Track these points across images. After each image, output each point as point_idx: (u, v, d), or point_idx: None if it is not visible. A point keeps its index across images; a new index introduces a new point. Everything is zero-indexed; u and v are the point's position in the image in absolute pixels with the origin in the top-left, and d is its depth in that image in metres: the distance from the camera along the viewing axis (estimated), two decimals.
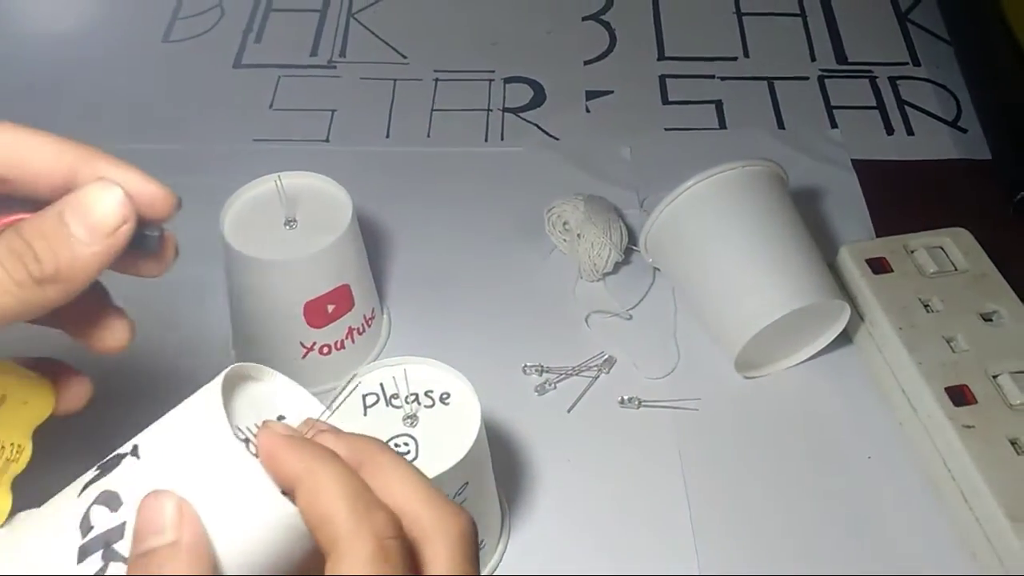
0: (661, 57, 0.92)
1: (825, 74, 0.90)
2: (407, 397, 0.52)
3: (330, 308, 0.62)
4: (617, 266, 0.72)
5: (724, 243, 0.65)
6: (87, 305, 0.36)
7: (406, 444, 0.51)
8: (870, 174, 0.80)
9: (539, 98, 0.88)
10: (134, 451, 0.32)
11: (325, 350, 0.63)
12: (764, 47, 0.93)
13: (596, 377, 0.67)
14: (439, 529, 0.32)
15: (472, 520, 0.33)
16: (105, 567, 0.30)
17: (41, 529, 0.33)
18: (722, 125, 0.85)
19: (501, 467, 0.58)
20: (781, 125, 0.85)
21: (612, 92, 0.88)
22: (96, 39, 0.93)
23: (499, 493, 0.59)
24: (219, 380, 0.32)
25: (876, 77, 0.90)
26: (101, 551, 0.31)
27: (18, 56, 0.90)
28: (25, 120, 0.34)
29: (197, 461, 0.31)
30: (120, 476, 0.32)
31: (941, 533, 0.59)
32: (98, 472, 0.32)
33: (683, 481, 0.62)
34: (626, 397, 0.65)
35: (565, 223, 0.73)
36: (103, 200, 0.32)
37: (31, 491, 0.35)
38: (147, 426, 0.33)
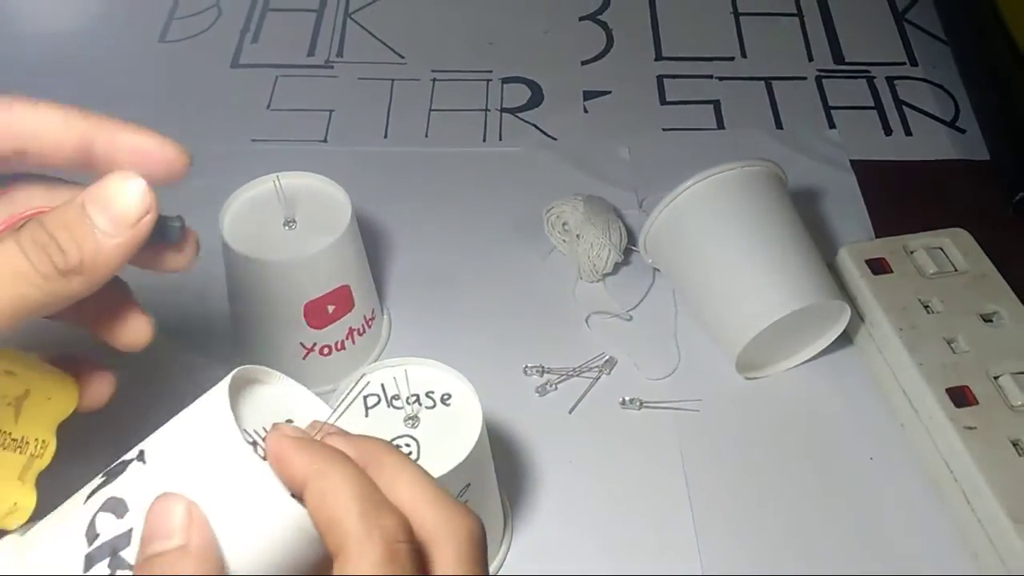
0: (658, 57, 0.92)
1: (823, 74, 0.90)
2: (408, 398, 0.52)
3: (330, 309, 0.61)
4: (617, 267, 0.72)
5: (723, 243, 0.65)
6: (109, 302, 0.36)
7: (407, 445, 0.50)
8: (869, 174, 0.80)
9: (537, 98, 0.87)
10: (140, 456, 0.32)
11: (326, 351, 0.63)
12: (761, 47, 0.93)
13: (597, 378, 0.67)
14: (447, 531, 0.32)
15: (480, 521, 0.33)
16: (112, 575, 0.30)
17: (48, 538, 0.32)
18: (720, 125, 0.85)
19: (502, 468, 0.58)
20: (779, 125, 0.85)
21: (610, 92, 0.88)
22: (92, 39, 0.92)
23: (501, 494, 0.58)
24: (226, 383, 0.32)
25: (874, 77, 0.90)
26: (108, 559, 0.30)
27: (15, 56, 0.90)
28: None
29: (205, 465, 0.31)
30: (126, 482, 0.31)
31: (943, 534, 0.59)
32: (104, 479, 0.32)
33: (685, 482, 0.62)
34: (627, 398, 0.65)
35: (564, 223, 0.73)
36: (125, 191, 0.32)
37: (54, 487, 0.35)
38: (146, 427, 0.33)
